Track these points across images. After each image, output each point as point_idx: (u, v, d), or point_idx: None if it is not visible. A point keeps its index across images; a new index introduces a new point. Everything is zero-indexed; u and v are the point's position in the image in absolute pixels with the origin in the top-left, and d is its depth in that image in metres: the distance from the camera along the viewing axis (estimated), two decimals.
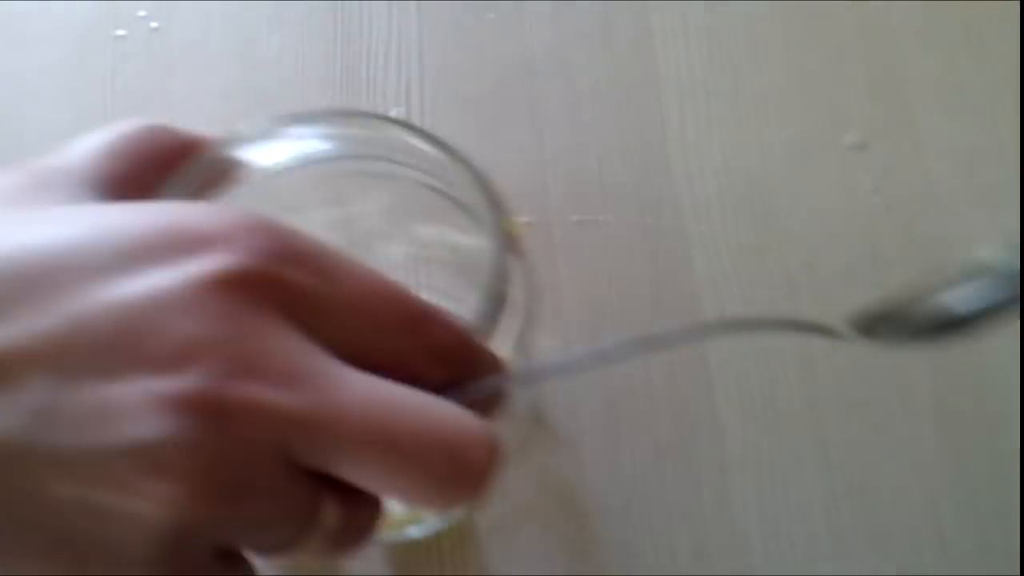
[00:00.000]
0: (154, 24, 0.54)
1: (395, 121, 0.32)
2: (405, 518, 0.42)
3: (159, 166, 0.29)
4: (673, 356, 0.46)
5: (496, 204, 0.30)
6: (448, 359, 0.25)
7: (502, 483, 0.44)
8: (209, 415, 0.21)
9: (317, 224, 0.28)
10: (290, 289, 0.23)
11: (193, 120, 0.51)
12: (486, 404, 0.26)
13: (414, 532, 0.43)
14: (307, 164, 0.33)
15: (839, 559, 0.43)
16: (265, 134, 0.32)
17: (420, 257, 0.40)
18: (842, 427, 0.45)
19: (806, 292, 0.47)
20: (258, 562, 0.25)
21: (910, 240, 0.48)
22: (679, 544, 0.43)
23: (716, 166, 0.50)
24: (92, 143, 0.29)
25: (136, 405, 0.21)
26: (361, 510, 0.25)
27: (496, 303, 0.29)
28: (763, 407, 0.45)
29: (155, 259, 0.22)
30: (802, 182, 0.50)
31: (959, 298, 0.24)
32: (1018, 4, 0.53)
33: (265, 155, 0.32)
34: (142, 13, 0.54)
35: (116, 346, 0.21)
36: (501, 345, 0.28)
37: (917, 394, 0.45)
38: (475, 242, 0.31)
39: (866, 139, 0.50)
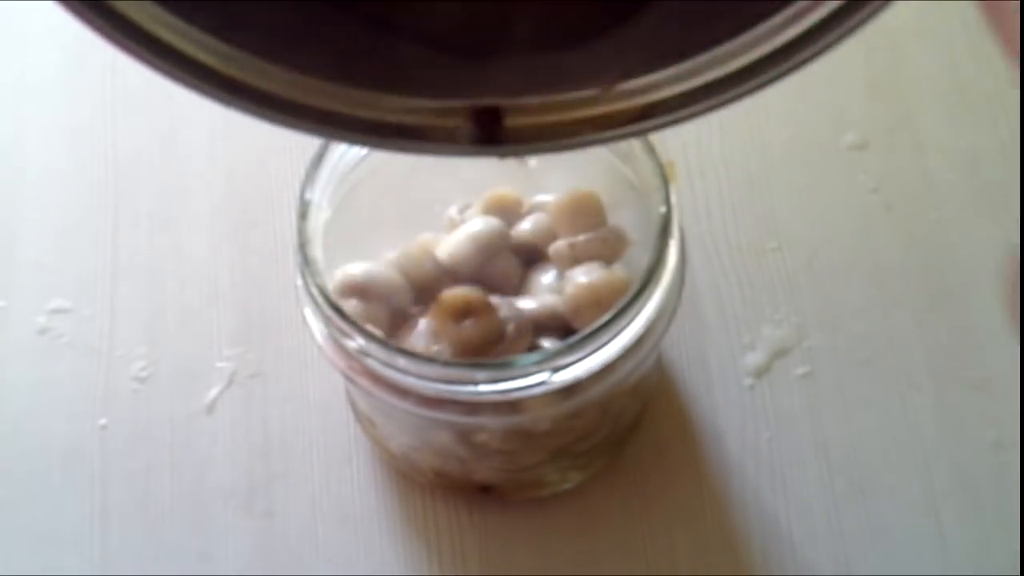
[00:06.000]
0: None
1: None
2: (556, 478, 0.43)
3: None
4: (673, 356, 0.46)
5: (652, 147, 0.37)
6: None
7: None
8: None
9: None
10: None
11: (193, 120, 0.51)
12: None
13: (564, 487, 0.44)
14: None
15: (839, 559, 0.43)
16: None
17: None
18: (842, 427, 0.45)
19: (806, 292, 0.47)
20: None
21: (910, 240, 0.48)
22: (679, 544, 0.43)
23: (716, 166, 0.50)
24: None
25: None
26: None
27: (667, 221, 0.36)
28: (763, 407, 0.45)
29: None
30: (802, 182, 0.50)
31: None
32: (1018, 4, 0.52)
33: None
34: None
35: None
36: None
37: (917, 394, 0.45)
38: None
39: (866, 139, 0.50)
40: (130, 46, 0.24)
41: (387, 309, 0.39)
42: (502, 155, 0.33)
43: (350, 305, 0.38)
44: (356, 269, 0.39)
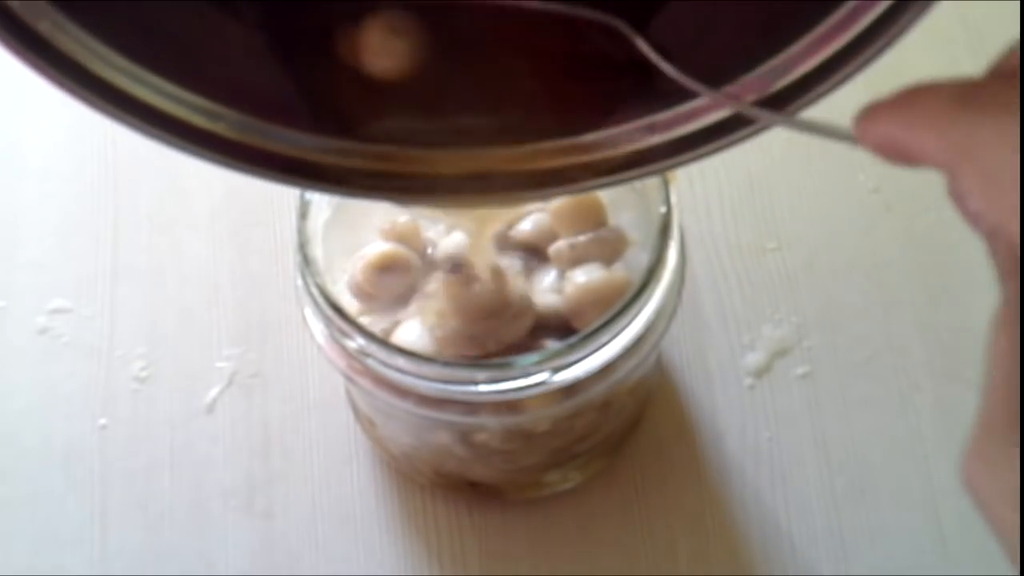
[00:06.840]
0: None
1: None
2: (556, 478, 0.43)
3: None
4: (673, 356, 0.46)
5: None
6: None
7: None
8: None
9: None
10: None
11: None
12: None
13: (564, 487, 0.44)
14: None
15: (839, 559, 0.43)
16: None
17: None
18: (842, 427, 0.45)
19: (806, 292, 0.47)
20: None
21: (910, 240, 0.48)
22: (679, 544, 0.43)
23: (716, 166, 0.50)
24: None
25: None
26: None
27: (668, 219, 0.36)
28: (763, 407, 0.45)
29: None
30: (802, 182, 0.50)
31: None
32: (1018, 4, 0.52)
33: None
34: None
35: None
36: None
37: (917, 394, 0.45)
38: None
39: None
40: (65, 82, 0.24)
41: (404, 283, 0.40)
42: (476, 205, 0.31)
43: (368, 281, 0.38)
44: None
